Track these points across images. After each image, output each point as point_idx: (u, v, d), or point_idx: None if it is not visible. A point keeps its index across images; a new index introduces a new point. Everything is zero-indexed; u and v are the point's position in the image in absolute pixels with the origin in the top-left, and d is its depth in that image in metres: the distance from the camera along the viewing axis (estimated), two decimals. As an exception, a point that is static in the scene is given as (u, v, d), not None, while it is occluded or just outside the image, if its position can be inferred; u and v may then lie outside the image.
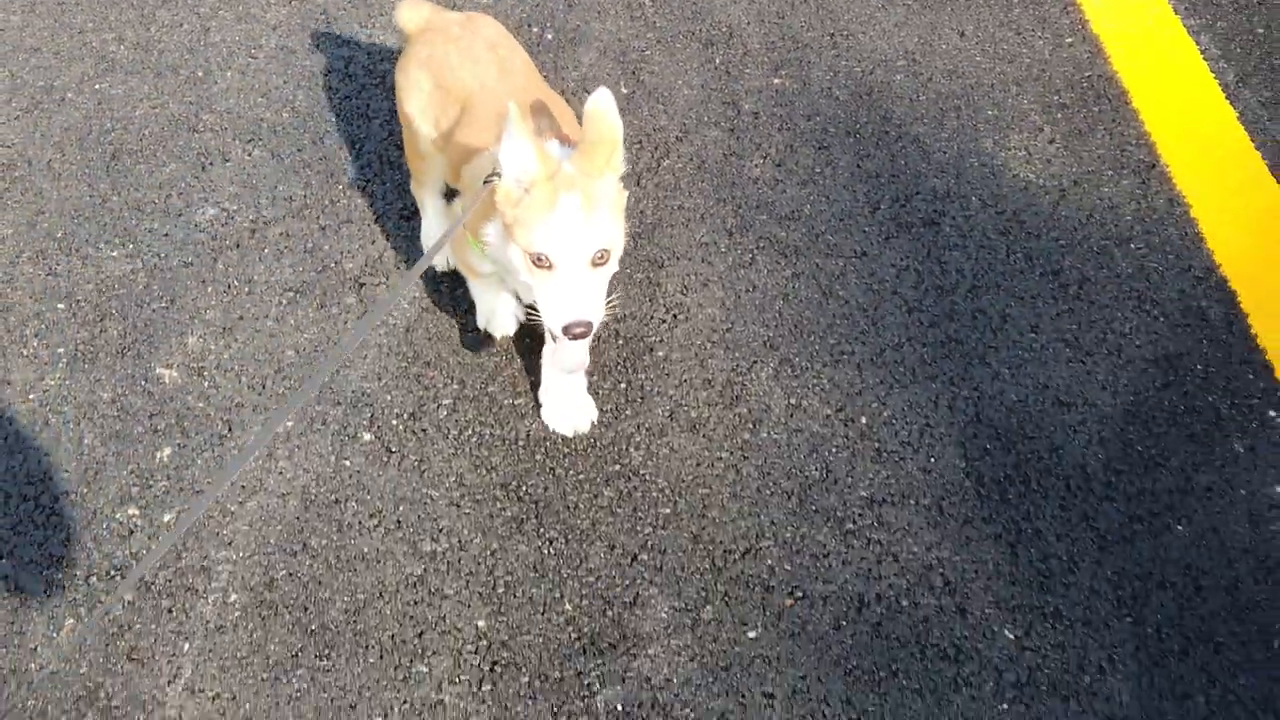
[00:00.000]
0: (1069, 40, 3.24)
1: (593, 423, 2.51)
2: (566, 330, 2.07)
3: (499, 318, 2.67)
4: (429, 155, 2.58)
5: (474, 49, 2.47)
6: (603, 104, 2.03)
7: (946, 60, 3.20)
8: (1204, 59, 3.15)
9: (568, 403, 2.53)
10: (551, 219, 2.02)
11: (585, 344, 2.15)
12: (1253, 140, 2.95)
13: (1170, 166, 2.91)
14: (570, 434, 2.54)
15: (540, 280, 2.08)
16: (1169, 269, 2.75)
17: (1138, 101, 3.07)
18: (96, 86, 3.18)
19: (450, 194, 2.67)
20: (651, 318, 2.64)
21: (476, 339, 2.61)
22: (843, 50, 3.23)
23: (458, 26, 2.55)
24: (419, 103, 2.53)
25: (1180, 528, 2.35)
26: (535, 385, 2.51)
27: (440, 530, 2.37)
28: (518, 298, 2.55)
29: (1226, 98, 3.07)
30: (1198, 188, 2.87)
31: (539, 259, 2.05)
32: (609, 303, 2.13)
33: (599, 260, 2.06)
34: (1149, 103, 3.06)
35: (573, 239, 2.02)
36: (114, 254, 2.85)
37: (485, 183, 2.15)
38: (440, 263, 2.75)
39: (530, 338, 2.58)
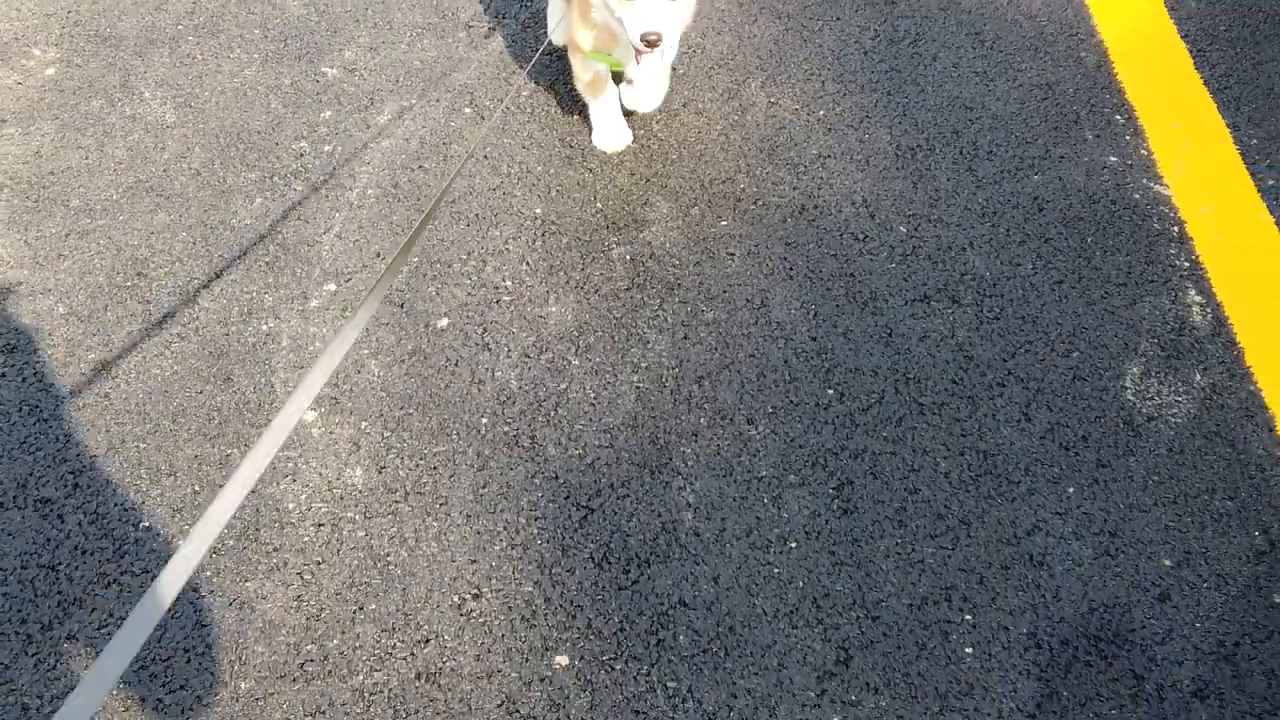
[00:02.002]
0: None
1: (629, 143, 3.38)
2: (644, 38, 2.68)
3: (614, 133, 3.35)
4: None
5: None
6: None
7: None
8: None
9: (614, 122, 3.34)
10: None
11: (657, 57, 2.81)
12: None
13: None
14: (611, 150, 3.38)
15: (627, 8, 2.70)
16: (1061, 31, 3.73)
17: None
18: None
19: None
20: (678, 53, 3.64)
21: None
22: None
23: None
24: None
25: (1036, 176, 3.35)
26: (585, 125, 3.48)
27: (514, 160, 3.39)
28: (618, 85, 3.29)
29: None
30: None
31: None
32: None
33: None
34: None
35: None
36: (294, 2, 3.97)
37: None
38: (559, 39, 3.56)
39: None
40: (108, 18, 3.82)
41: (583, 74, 3.21)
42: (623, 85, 3.21)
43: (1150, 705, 2.32)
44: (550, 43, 3.32)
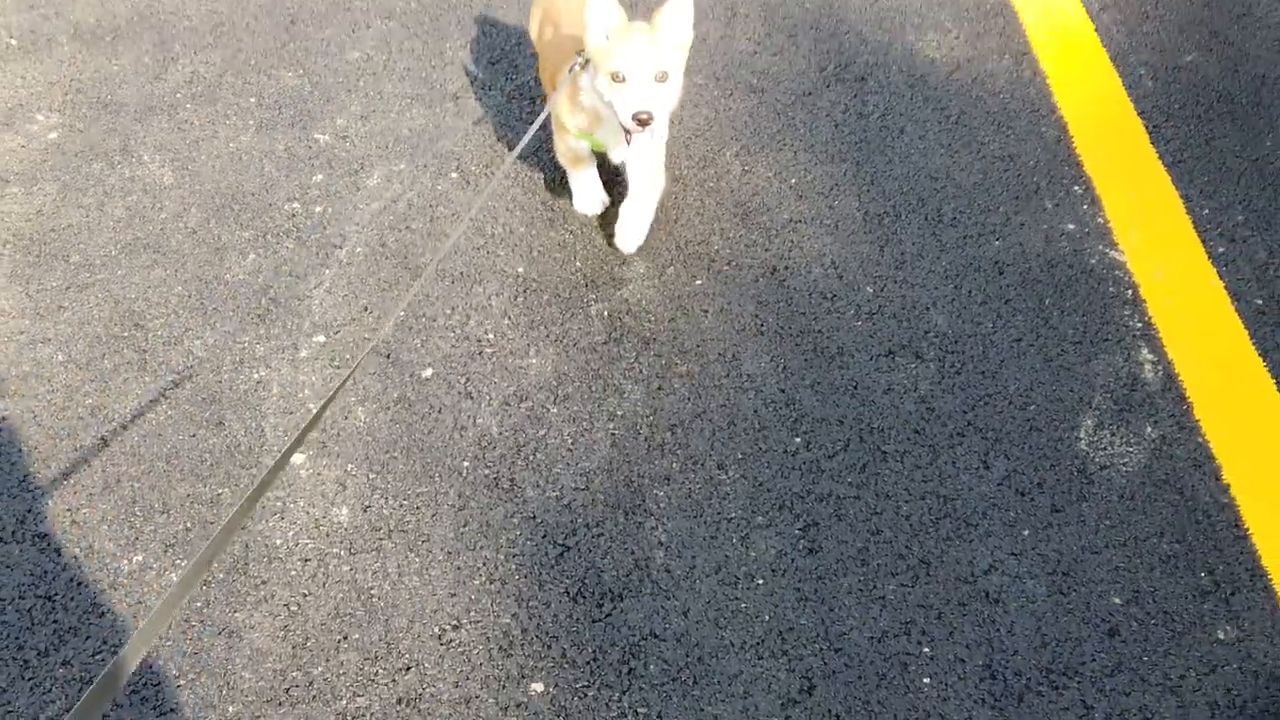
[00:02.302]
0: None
1: (607, 206, 3.51)
2: (635, 117, 2.75)
3: (592, 198, 3.46)
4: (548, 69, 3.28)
5: None
6: (683, 5, 2.77)
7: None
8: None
9: (631, 229, 3.38)
10: (625, 46, 2.73)
11: (648, 137, 2.89)
12: (1096, 31, 4.18)
13: (1038, 54, 4.15)
14: (591, 214, 3.52)
15: (617, 90, 2.77)
16: (1023, 107, 3.91)
17: (1024, 18, 4.30)
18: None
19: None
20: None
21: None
22: None
23: None
24: (537, 24, 3.42)
25: (997, 242, 3.51)
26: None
27: (498, 222, 3.54)
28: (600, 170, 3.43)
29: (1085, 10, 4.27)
30: (1053, 68, 4.10)
31: (615, 75, 2.75)
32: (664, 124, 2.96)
33: (660, 78, 2.77)
34: (1032, 19, 4.30)
35: (640, 58, 2.73)
36: (288, 74, 4.13)
37: (569, 71, 2.94)
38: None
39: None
40: (108, 85, 3.99)
41: (566, 150, 3.32)
42: (616, 225, 3.33)
43: None
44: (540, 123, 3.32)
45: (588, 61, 2.87)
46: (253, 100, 3.97)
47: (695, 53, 4.07)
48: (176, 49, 4.18)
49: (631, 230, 3.31)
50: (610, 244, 3.41)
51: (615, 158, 3.21)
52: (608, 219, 3.48)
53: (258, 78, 4.07)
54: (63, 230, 3.45)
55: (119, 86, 4.01)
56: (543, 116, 2.98)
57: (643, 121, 2.77)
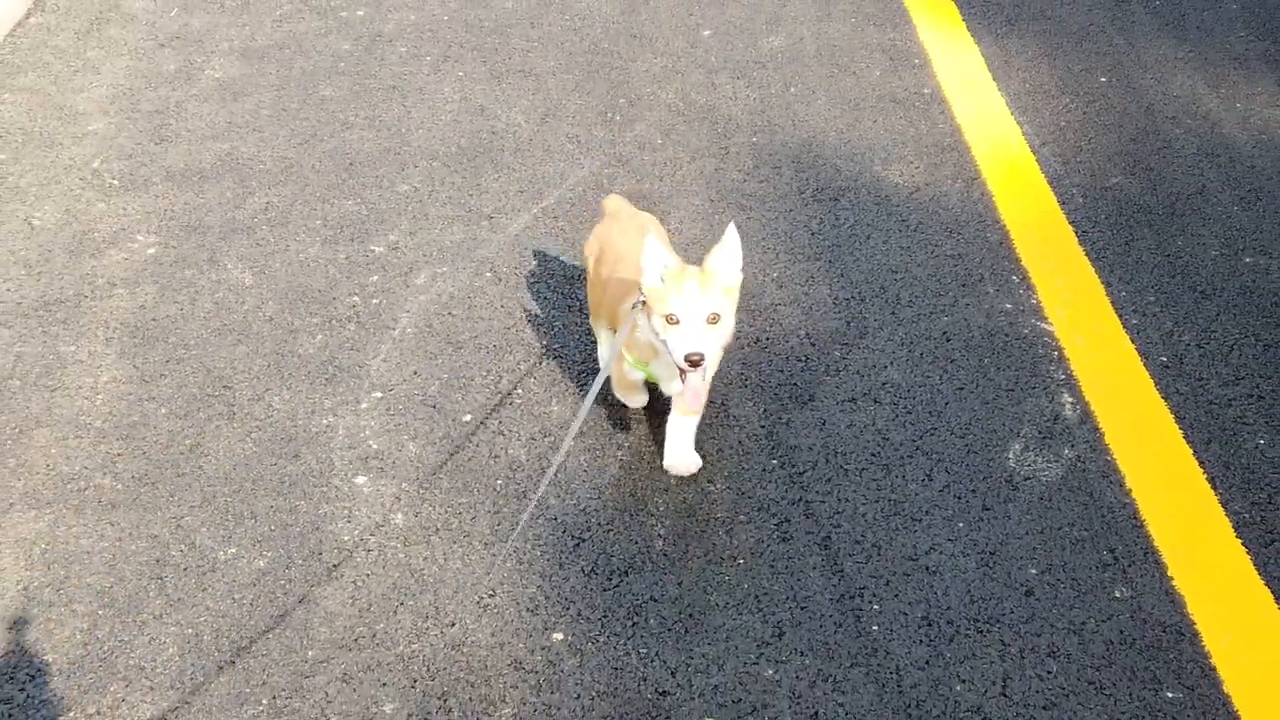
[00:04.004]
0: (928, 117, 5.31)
1: (699, 467, 3.50)
2: (687, 358, 2.87)
3: (630, 398, 3.54)
4: (598, 295, 3.48)
5: (629, 227, 3.50)
6: (730, 241, 2.99)
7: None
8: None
9: (680, 449, 3.41)
10: (679, 289, 2.88)
11: (700, 375, 2.99)
12: (1037, 161, 4.99)
13: (986, 179, 4.97)
14: (684, 473, 3.49)
15: (671, 332, 2.89)
16: (971, 217, 4.74)
17: (975, 152, 5.09)
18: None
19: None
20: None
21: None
22: (779, 129, 5.33)
23: (626, 214, 3.63)
24: (594, 254, 3.54)
25: (946, 318, 4.11)
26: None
27: (521, 308, 4.33)
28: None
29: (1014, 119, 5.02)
30: (998, 189, 4.90)
31: (669, 317, 2.88)
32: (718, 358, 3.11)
33: (711, 320, 2.90)
34: (981, 153, 5.09)
35: (692, 302, 2.87)
36: (348, 202, 5.03)
37: (632, 308, 3.08)
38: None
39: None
40: (196, 214, 4.76)
41: (621, 379, 3.48)
42: (666, 446, 3.46)
43: (1014, 661, 3.09)
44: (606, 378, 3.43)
45: (644, 301, 2.97)
46: (318, 222, 4.69)
47: (695, 180, 4.87)
48: (253, 185, 4.91)
49: (681, 449, 3.46)
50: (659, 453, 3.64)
51: (667, 390, 3.33)
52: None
53: (322, 206, 4.80)
54: (161, 320, 4.18)
55: (205, 214, 4.75)
56: (614, 352, 3.25)
57: (694, 362, 2.90)
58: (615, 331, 3.30)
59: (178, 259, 4.51)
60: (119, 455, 3.67)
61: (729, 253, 3.00)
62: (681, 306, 2.91)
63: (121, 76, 5.64)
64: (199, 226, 4.68)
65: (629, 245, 3.35)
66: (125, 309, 4.26)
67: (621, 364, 3.29)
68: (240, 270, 4.43)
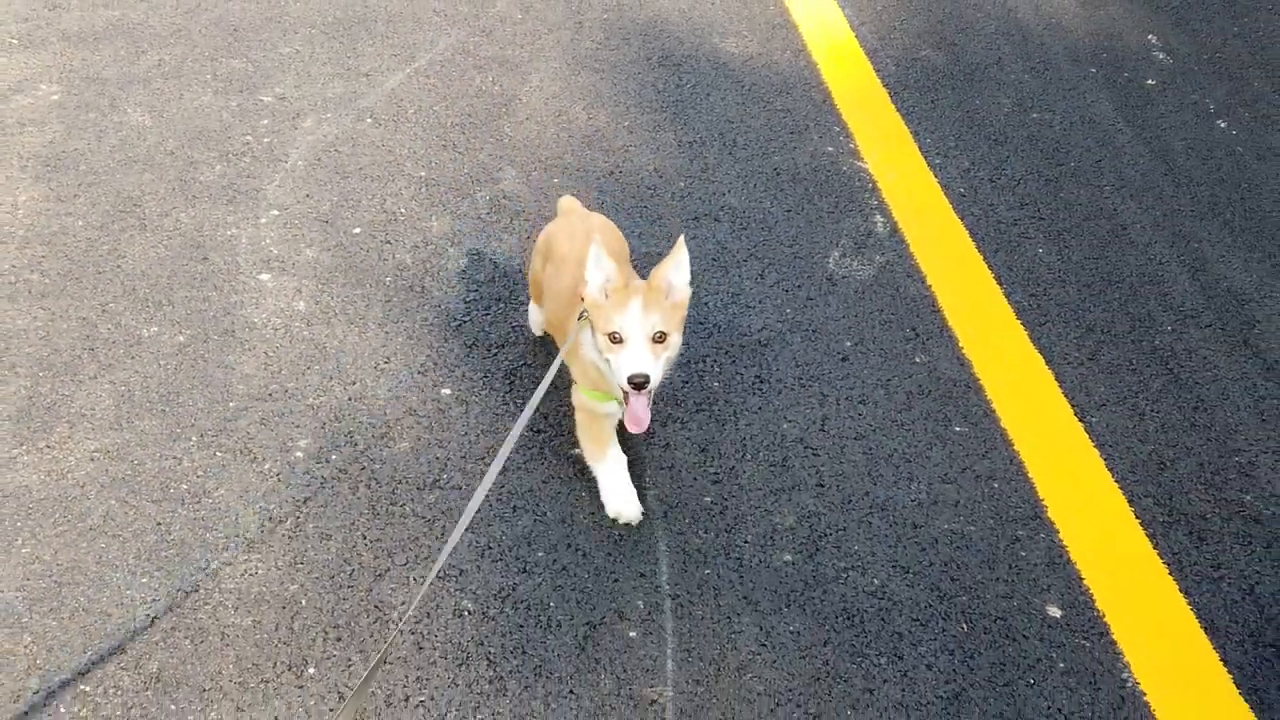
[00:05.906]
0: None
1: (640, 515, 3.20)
2: (631, 380, 2.66)
3: (626, 501, 3.12)
4: (537, 286, 3.38)
5: (577, 230, 3.20)
6: (679, 254, 2.78)
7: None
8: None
9: (618, 491, 3.11)
10: (623, 309, 2.67)
11: (645, 401, 2.77)
12: (857, 38, 5.58)
13: (811, 51, 5.51)
14: (622, 520, 3.15)
15: (615, 351, 2.70)
16: (798, 81, 5.27)
17: (802, 29, 5.65)
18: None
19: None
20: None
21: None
22: (626, 6, 5.84)
23: (578, 215, 3.34)
24: (541, 250, 3.33)
25: (776, 157, 4.70)
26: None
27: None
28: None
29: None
30: (822, 59, 5.47)
31: (613, 335, 2.70)
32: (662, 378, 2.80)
33: (657, 340, 2.70)
34: (807, 30, 5.66)
35: (637, 321, 2.67)
36: (236, 62, 5.29)
37: (579, 318, 2.86)
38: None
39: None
40: (94, 68, 5.11)
41: (588, 424, 3.16)
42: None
43: (831, 406, 3.77)
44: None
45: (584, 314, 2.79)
46: (209, 77, 5.05)
47: (552, 49, 5.33)
48: (145, 45, 5.26)
49: (619, 494, 3.14)
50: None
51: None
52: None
53: (211, 64, 5.17)
54: (70, 153, 4.54)
55: (102, 69, 5.09)
56: (555, 365, 2.97)
57: (638, 385, 2.69)
58: (559, 341, 3.17)
59: (80, 104, 4.86)
60: (43, 257, 4.06)
61: (677, 266, 2.79)
62: (626, 325, 2.72)
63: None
64: (97, 78, 5.03)
65: (573, 249, 3.15)
66: (36, 143, 4.61)
67: (581, 398, 3.12)
68: (140, 114, 4.81)
